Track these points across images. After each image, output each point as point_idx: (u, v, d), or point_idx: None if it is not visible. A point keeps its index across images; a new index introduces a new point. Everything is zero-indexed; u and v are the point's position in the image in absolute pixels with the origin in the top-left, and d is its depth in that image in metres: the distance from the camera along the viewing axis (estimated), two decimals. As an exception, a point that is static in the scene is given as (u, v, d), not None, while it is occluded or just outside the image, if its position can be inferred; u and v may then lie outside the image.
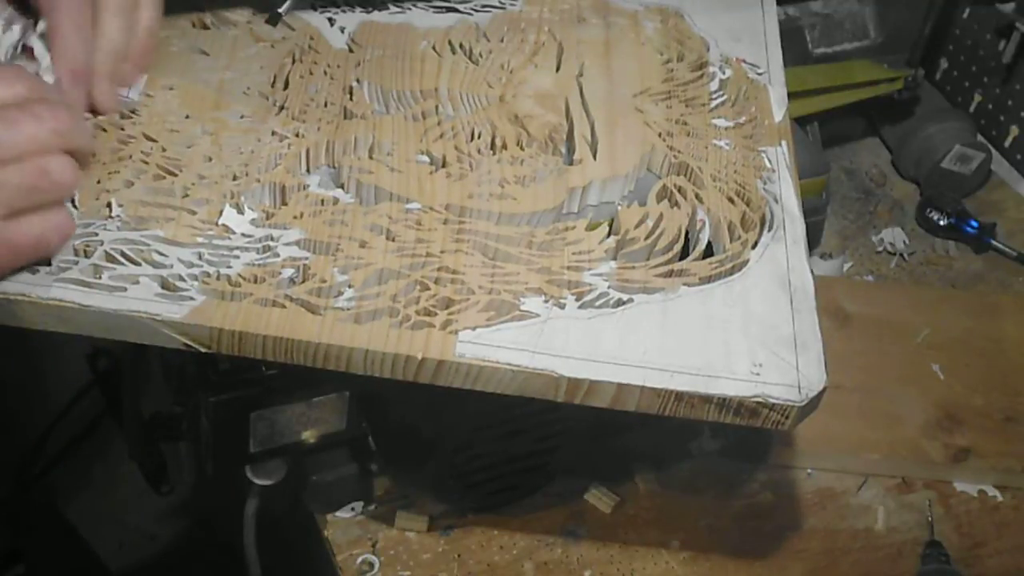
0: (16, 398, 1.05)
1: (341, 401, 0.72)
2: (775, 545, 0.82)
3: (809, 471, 0.87)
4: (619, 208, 0.67)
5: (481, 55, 0.78)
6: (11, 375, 0.97)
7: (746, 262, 0.65)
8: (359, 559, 0.78)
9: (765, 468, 0.86)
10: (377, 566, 0.78)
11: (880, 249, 1.08)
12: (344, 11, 0.80)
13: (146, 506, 0.84)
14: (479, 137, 0.70)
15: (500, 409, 0.72)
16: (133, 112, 0.67)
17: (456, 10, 0.82)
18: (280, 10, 0.78)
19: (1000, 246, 1.08)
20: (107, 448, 1.04)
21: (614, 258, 0.64)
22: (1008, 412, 0.89)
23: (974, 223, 1.08)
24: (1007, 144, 1.16)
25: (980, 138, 1.15)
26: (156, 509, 0.85)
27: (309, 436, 0.74)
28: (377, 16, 0.80)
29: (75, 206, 0.60)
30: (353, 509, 0.81)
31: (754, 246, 0.66)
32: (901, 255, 1.08)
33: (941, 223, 1.09)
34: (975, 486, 0.87)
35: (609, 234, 0.66)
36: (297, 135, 0.68)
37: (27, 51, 0.64)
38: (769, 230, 0.67)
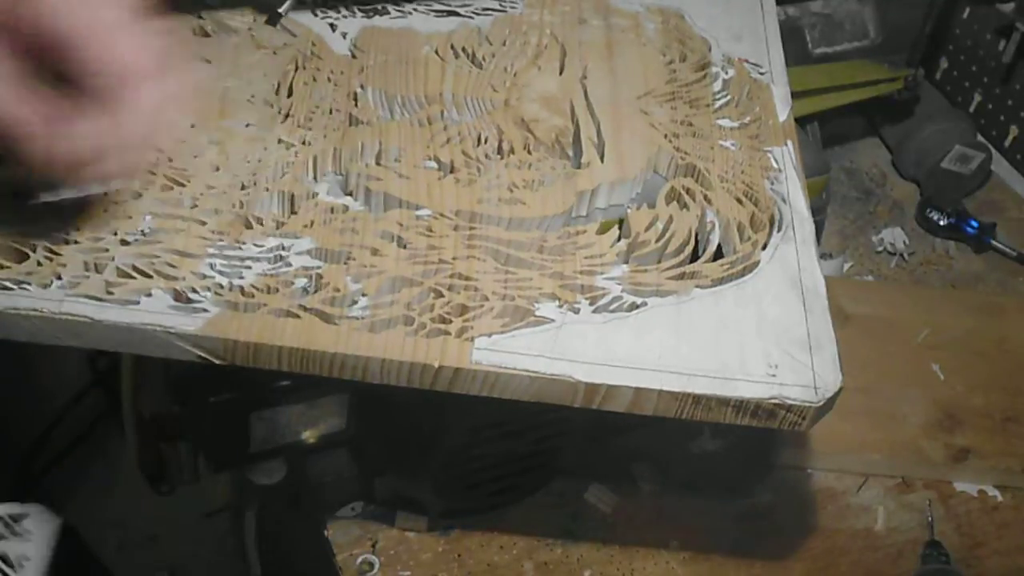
0: (16, 398, 1.04)
1: (341, 401, 0.72)
2: (775, 545, 0.82)
3: (809, 471, 0.87)
4: (628, 211, 0.67)
5: (484, 59, 0.77)
6: (11, 375, 0.96)
7: (757, 263, 0.64)
8: (359, 559, 0.78)
9: (765, 468, 0.86)
10: (377, 566, 0.78)
11: (880, 249, 1.09)
12: (345, 16, 0.79)
13: (146, 506, 0.84)
14: (486, 142, 0.70)
15: (500, 409, 0.71)
16: None
17: (457, 13, 0.82)
18: (280, 10, 0.77)
19: (1000, 246, 1.08)
20: (107, 448, 1.04)
21: (626, 261, 0.64)
22: (1008, 412, 0.90)
23: (974, 223, 1.09)
24: (1007, 144, 1.16)
25: (980, 138, 1.15)
26: (156, 509, 0.84)
27: (309, 436, 0.74)
28: (378, 21, 0.80)
29: None
30: (353, 509, 0.81)
31: (764, 247, 0.66)
32: (901, 255, 1.08)
33: (941, 223, 1.09)
34: (975, 486, 0.87)
35: (619, 237, 0.65)
36: (304, 143, 0.67)
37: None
38: (778, 231, 0.67)
